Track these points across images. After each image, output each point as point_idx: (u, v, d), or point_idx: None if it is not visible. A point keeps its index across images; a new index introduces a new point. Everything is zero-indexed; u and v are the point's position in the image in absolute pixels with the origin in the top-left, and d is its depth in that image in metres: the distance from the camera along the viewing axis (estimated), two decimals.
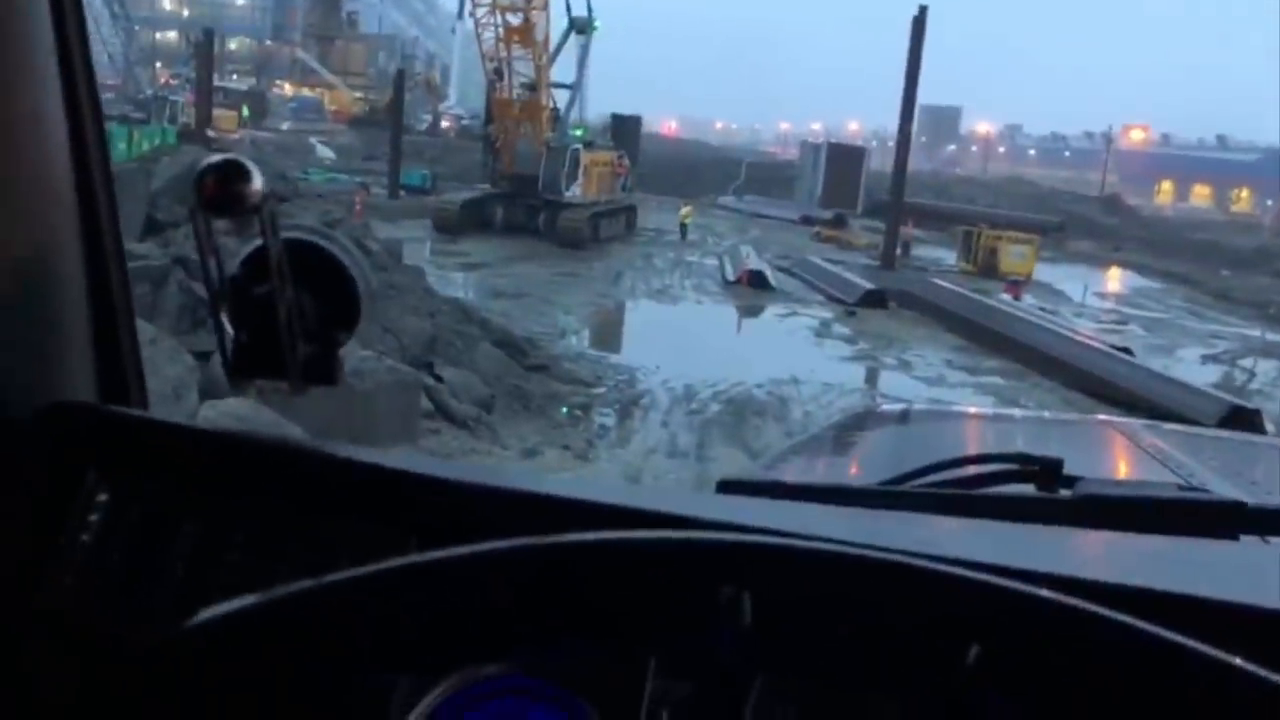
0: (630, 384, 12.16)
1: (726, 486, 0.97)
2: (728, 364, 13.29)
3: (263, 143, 38.22)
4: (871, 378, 14.97)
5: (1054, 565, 0.66)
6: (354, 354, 8.42)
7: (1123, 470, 1.89)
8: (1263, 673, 0.47)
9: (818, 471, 2.10)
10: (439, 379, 9.81)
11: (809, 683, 0.55)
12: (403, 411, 8.75)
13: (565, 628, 0.56)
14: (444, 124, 48.48)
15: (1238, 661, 0.47)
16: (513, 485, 0.80)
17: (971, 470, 1.06)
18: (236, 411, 6.31)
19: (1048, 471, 1.02)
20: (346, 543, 0.79)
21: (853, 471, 2.11)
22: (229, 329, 0.85)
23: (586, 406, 10.97)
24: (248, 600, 0.58)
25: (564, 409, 10.68)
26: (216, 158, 0.78)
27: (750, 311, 19.63)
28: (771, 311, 19.49)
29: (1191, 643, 0.48)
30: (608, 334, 16.95)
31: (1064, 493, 0.99)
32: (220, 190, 0.77)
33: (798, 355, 15.03)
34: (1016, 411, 9.96)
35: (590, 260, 23.32)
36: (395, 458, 0.84)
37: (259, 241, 0.84)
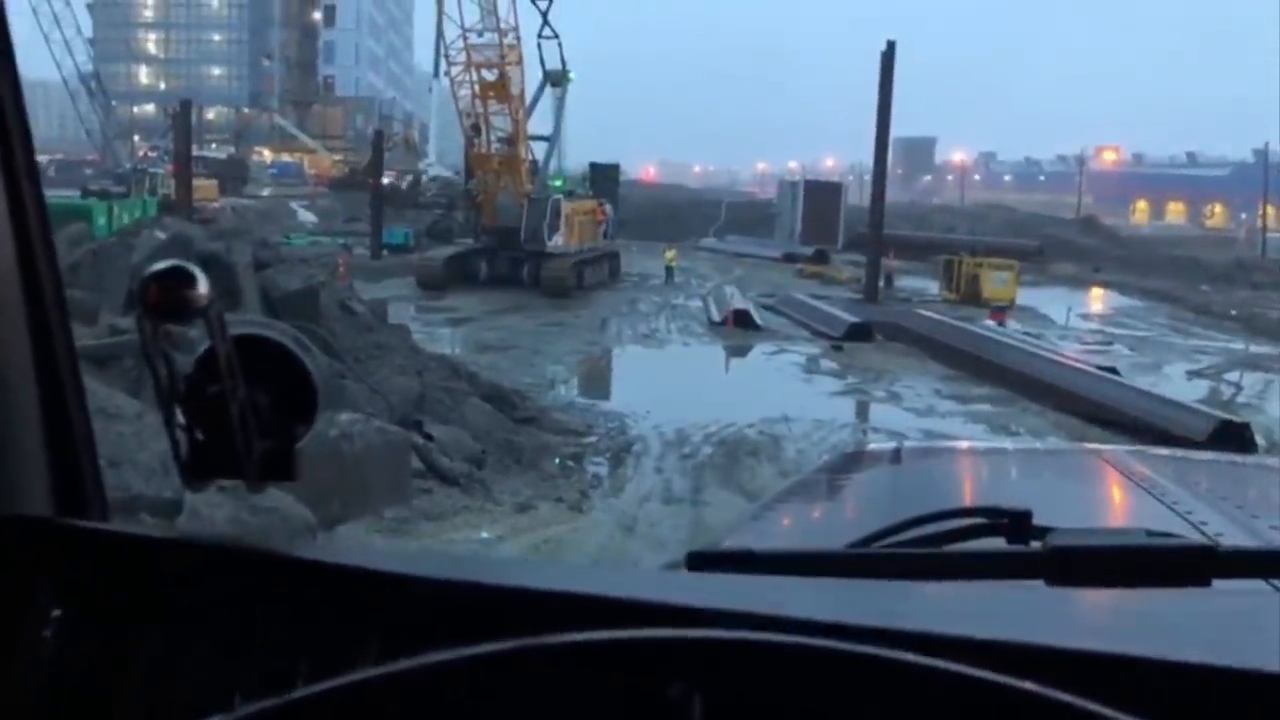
0: (621, 431, 12.13)
1: (696, 560, 0.97)
2: (718, 405, 13.28)
3: (244, 209, 38.44)
4: (862, 412, 14.98)
5: (1018, 632, 0.66)
6: (341, 417, 8.38)
7: (1107, 505, 1.89)
8: None
9: (800, 525, 2.09)
10: (429, 437, 9.77)
11: None
12: (393, 472, 8.69)
13: None
14: (426, 178, 48.71)
15: None
16: (471, 577, 0.79)
17: (942, 526, 1.06)
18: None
19: (1018, 524, 1.03)
20: (307, 646, 0.78)
21: (842, 517, 2.10)
22: (183, 429, 0.84)
23: (579, 456, 10.92)
24: None
25: (556, 460, 10.63)
26: (161, 264, 0.77)
27: (738, 351, 19.68)
28: (759, 350, 19.54)
29: None
30: (597, 382, 16.95)
31: (1035, 545, 1.00)
32: (166, 296, 0.76)
33: (788, 393, 15.04)
34: (1008, 443, 9.99)
35: (576, 309, 23.40)
36: (355, 554, 0.83)
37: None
